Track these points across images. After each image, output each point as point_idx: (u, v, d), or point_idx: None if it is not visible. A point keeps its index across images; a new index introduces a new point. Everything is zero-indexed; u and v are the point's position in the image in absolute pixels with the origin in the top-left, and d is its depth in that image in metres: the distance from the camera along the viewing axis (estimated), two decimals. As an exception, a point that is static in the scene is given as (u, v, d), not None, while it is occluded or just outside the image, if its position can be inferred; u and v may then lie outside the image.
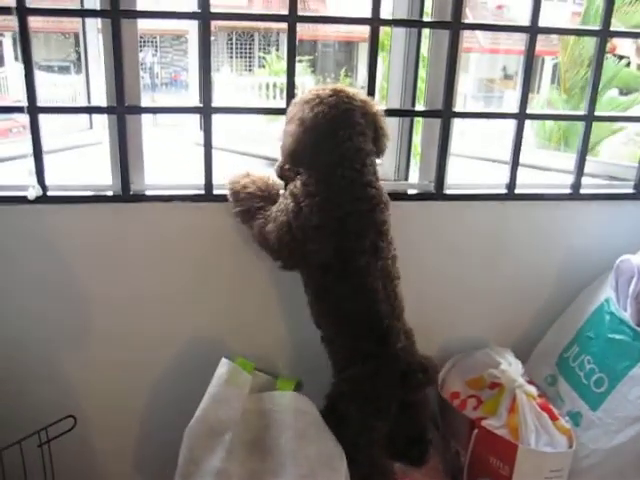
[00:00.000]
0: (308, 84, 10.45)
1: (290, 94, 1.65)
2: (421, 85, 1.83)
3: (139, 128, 1.66)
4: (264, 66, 11.49)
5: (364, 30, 1.66)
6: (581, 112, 1.87)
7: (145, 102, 1.63)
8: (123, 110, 1.59)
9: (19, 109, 1.56)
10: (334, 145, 1.42)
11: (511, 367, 1.75)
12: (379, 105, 1.52)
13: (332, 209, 1.42)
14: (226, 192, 1.63)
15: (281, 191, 1.60)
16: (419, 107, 1.87)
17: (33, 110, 1.56)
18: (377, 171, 1.49)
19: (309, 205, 1.43)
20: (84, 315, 1.73)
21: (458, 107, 1.78)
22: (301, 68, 12.29)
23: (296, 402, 1.56)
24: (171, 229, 1.71)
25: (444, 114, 1.74)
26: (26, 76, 1.52)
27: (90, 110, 1.68)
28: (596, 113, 1.87)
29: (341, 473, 1.49)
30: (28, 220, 1.64)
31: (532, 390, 1.69)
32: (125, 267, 1.72)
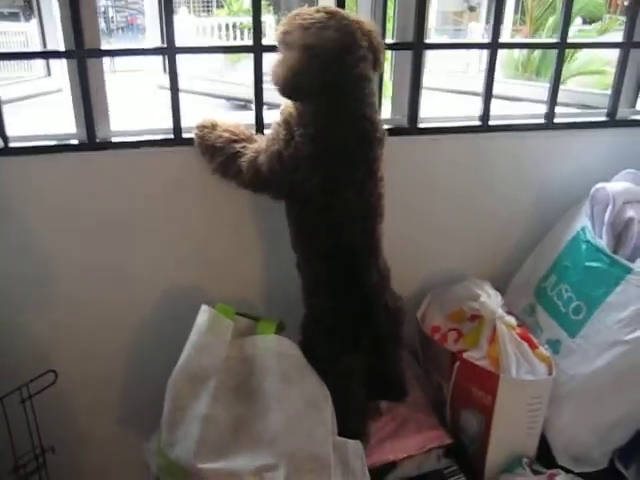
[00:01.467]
0: (269, 22, 10.23)
1: (257, 34, 1.58)
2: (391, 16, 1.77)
3: (101, 72, 1.58)
4: (222, 6, 11.22)
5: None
6: (553, 40, 1.84)
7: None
8: (83, 53, 1.51)
9: (-28, 57, 1.48)
10: (335, 73, 1.35)
11: (490, 299, 1.76)
12: (372, 22, 1.45)
13: (325, 140, 1.38)
14: (197, 147, 1.59)
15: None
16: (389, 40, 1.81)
17: (-13, 57, 1.48)
18: (376, 102, 1.44)
19: (302, 135, 1.39)
20: (53, 269, 1.69)
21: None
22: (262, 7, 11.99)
23: (278, 345, 1.55)
24: (141, 176, 1.65)
25: (415, 46, 1.69)
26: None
27: (47, 55, 1.60)
28: (568, 40, 1.84)
29: (327, 413, 1.50)
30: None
31: (511, 320, 1.71)
32: (94, 217, 1.67)
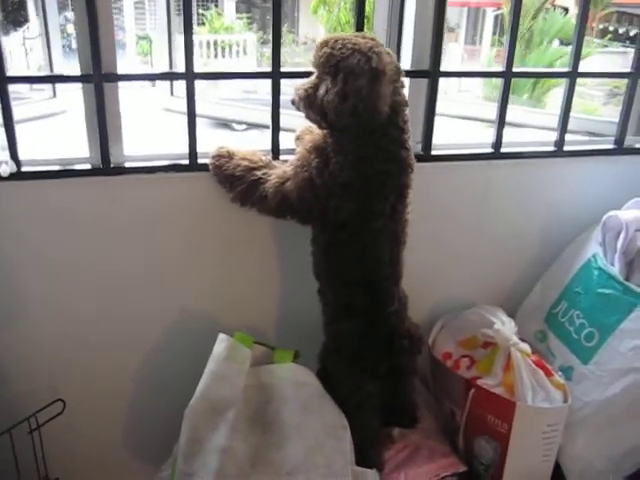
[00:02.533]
0: (250, 40, 10.27)
1: (276, 60, 1.58)
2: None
3: (116, 96, 1.56)
4: (204, 23, 11.24)
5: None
6: (565, 69, 1.86)
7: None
8: (100, 78, 1.49)
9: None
10: (389, 99, 1.34)
11: (505, 326, 1.76)
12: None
13: (365, 167, 1.37)
14: (214, 176, 1.57)
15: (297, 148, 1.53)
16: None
17: (2, 80, 1.45)
18: (410, 129, 1.43)
19: (340, 162, 1.38)
20: (68, 295, 1.65)
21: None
22: (242, 25, 12.07)
23: (296, 374, 1.53)
24: (155, 202, 1.64)
25: (432, 74, 1.70)
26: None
27: (64, 79, 1.57)
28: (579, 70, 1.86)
29: (346, 442, 1.49)
30: (2, 198, 1.53)
31: (526, 348, 1.71)
32: (109, 243, 1.64)
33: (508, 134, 1.87)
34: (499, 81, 1.80)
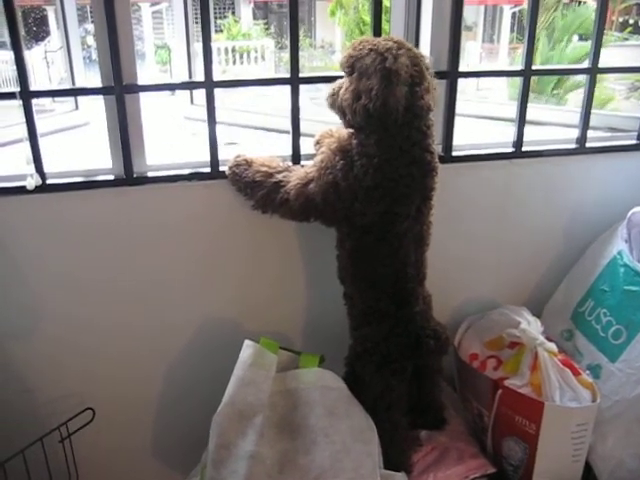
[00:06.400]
0: (268, 45, 10.32)
1: (294, 66, 1.59)
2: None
3: (138, 107, 1.58)
4: (221, 30, 11.32)
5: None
6: (584, 65, 1.84)
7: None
8: (121, 90, 1.52)
9: (10, 95, 1.47)
10: (410, 102, 1.34)
11: (530, 326, 1.75)
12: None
13: (390, 170, 1.37)
14: (232, 184, 1.59)
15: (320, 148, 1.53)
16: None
17: (26, 95, 1.47)
18: (434, 132, 1.43)
19: (365, 165, 1.38)
20: (92, 306, 1.67)
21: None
22: (259, 30, 12.13)
23: (322, 378, 1.54)
24: (178, 210, 1.65)
25: (451, 75, 1.70)
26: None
27: (86, 92, 1.59)
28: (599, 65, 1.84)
29: (374, 445, 1.49)
30: (28, 211, 1.56)
31: (553, 347, 1.70)
32: (133, 253, 1.65)
33: (531, 133, 1.86)
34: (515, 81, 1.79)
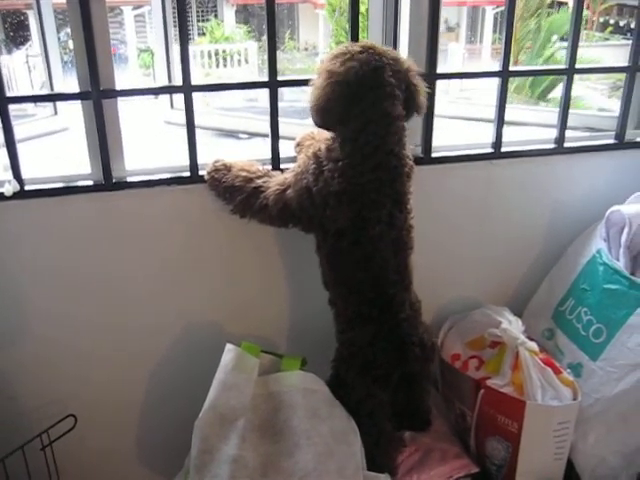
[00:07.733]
0: (251, 48, 10.30)
1: (272, 69, 1.60)
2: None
3: (116, 112, 1.58)
4: (204, 34, 11.30)
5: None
6: (562, 66, 1.86)
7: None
8: (99, 95, 1.51)
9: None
10: (361, 108, 1.35)
11: (511, 325, 1.76)
12: (411, 62, 1.44)
13: (353, 176, 1.37)
14: (211, 189, 1.59)
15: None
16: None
17: (2, 100, 1.46)
18: (404, 138, 1.42)
19: (331, 170, 1.39)
20: (72, 310, 1.66)
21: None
22: (242, 33, 12.11)
23: (304, 381, 1.54)
24: (158, 215, 1.65)
25: (429, 77, 1.70)
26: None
27: (63, 97, 1.58)
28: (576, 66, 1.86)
29: (357, 447, 1.49)
30: (6, 218, 1.54)
31: (534, 346, 1.71)
32: (113, 259, 1.65)
33: (510, 133, 1.87)
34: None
